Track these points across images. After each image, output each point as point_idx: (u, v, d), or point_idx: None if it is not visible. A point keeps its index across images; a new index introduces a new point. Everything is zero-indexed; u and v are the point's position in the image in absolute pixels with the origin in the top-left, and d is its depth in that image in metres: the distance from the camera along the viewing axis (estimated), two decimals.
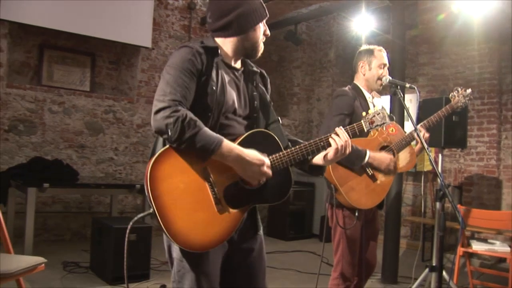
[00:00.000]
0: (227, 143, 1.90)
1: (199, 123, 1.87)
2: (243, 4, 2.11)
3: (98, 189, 5.79)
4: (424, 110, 4.77)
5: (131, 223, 2.01)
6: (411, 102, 6.95)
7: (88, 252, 5.35)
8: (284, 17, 8.05)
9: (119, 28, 7.00)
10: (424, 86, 7.23)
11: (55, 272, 4.88)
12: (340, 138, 2.11)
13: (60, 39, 7.08)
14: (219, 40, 2.17)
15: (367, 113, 2.21)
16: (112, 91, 7.59)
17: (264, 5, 2.19)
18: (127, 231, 2.02)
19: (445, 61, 7.02)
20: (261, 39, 2.18)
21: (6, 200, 5.66)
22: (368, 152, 3.10)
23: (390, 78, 3.21)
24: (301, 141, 2.21)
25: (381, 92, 3.52)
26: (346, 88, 3.33)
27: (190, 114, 1.86)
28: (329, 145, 2.12)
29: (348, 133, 2.15)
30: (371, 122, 2.19)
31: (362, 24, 7.17)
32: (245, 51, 2.17)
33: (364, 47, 3.44)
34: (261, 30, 2.17)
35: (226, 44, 2.16)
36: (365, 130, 2.19)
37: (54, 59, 7.06)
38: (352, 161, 3.08)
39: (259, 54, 2.21)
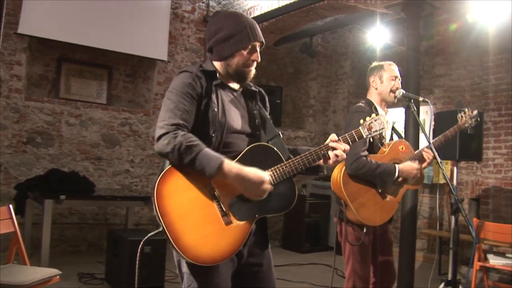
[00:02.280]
0: (227, 164, 1.93)
1: (197, 146, 1.92)
2: (223, 29, 2.14)
3: (114, 201, 5.83)
4: (439, 123, 4.74)
5: (142, 242, 2.08)
6: (427, 114, 6.90)
7: (103, 263, 5.38)
8: (299, 29, 8.08)
9: (135, 41, 7.10)
10: (440, 97, 7.18)
11: (70, 284, 4.91)
12: (340, 150, 2.13)
13: (78, 53, 7.19)
14: (215, 63, 2.21)
15: (364, 120, 2.21)
16: (128, 103, 7.66)
17: (254, 28, 2.16)
18: (139, 248, 2.08)
19: (461, 72, 6.97)
20: (245, 65, 2.16)
21: (24, 211, 5.73)
22: (397, 167, 3.12)
23: (404, 91, 3.22)
24: (303, 147, 2.25)
25: (395, 105, 3.50)
26: (361, 104, 3.32)
27: (188, 139, 1.91)
28: (325, 155, 2.15)
29: (347, 140, 2.18)
30: (369, 128, 2.22)
31: (377, 36, 7.17)
32: (231, 75, 2.19)
33: (374, 63, 3.45)
34: (245, 56, 2.15)
35: (218, 67, 2.20)
36: (364, 136, 2.22)
37: (71, 72, 7.16)
38: (384, 180, 3.11)
39: (248, 79, 2.22)
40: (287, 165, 2.10)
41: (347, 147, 2.15)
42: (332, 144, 2.14)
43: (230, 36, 2.12)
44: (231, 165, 1.94)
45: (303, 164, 2.11)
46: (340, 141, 2.16)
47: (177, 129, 1.94)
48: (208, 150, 1.94)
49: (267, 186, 2.00)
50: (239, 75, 2.19)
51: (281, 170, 2.09)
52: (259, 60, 2.20)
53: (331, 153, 2.13)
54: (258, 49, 2.19)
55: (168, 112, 2.00)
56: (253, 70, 2.21)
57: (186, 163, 1.90)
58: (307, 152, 2.14)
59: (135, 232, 5.52)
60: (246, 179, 1.95)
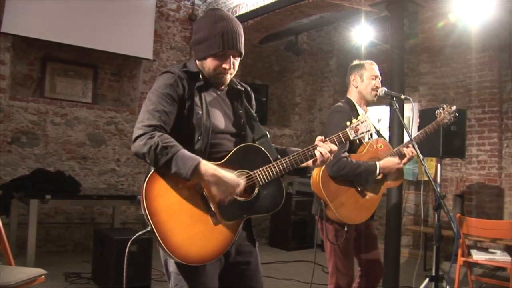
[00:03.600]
0: (203, 164, 1.91)
1: (174, 148, 1.90)
2: (199, 31, 2.12)
3: (100, 200, 5.82)
4: (424, 120, 4.79)
5: (130, 242, 2.07)
6: (411, 111, 6.96)
7: (90, 263, 5.37)
8: (284, 28, 8.10)
9: (120, 40, 7.07)
10: (425, 95, 7.25)
11: (57, 283, 4.89)
12: (324, 149, 2.14)
13: (63, 52, 7.14)
14: (197, 62, 2.20)
15: (351, 122, 2.24)
16: (114, 102, 7.64)
17: (228, 36, 2.06)
18: (127, 248, 2.07)
19: (446, 70, 7.04)
20: (216, 71, 2.12)
21: (9, 211, 5.70)
22: (378, 164, 3.15)
23: (386, 89, 3.25)
24: (291, 148, 2.25)
25: (377, 103, 3.54)
26: (341, 104, 3.35)
27: (164, 140, 1.90)
28: (313, 155, 2.16)
29: (334, 142, 2.19)
30: (356, 130, 2.24)
31: (362, 34, 7.22)
32: (208, 77, 2.17)
33: (354, 62, 3.49)
34: (216, 62, 2.10)
35: (200, 66, 2.19)
36: (351, 138, 2.24)
37: (56, 72, 7.12)
38: (366, 178, 3.14)
39: (221, 85, 2.19)
40: (275, 165, 2.11)
41: (334, 147, 2.16)
42: (319, 144, 2.15)
43: (203, 39, 2.10)
44: (207, 166, 1.93)
45: (291, 165, 2.12)
46: (327, 141, 2.17)
47: (154, 130, 1.93)
48: (184, 151, 1.92)
49: (240, 191, 2.00)
50: (213, 80, 2.17)
51: (269, 170, 2.09)
52: (231, 68, 2.13)
53: (317, 153, 2.14)
54: (232, 58, 2.12)
55: (147, 114, 1.99)
56: (227, 77, 2.16)
57: (162, 165, 1.89)
58: (295, 153, 2.14)
59: (121, 231, 5.51)
60: (222, 181, 1.94)
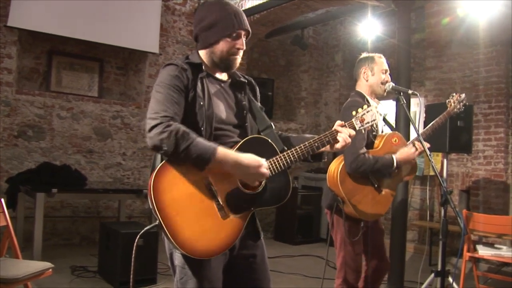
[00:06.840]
0: (222, 150, 1.95)
1: (192, 134, 1.92)
2: (208, 16, 2.13)
3: (106, 194, 5.83)
4: (430, 115, 4.77)
5: (138, 236, 2.09)
6: (418, 106, 6.93)
7: (96, 256, 5.39)
8: (290, 22, 8.08)
9: (126, 34, 7.07)
10: (431, 90, 7.21)
11: (63, 276, 4.92)
12: (345, 133, 2.16)
13: (69, 46, 7.15)
14: (200, 52, 2.21)
15: (357, 112, 2.23)
16: (120, 96, 7.65)
17: (239, 16, 2.15)
18: (135, 242, 2.09)
19: (452, 64, 7.00)
20: (230, 52, 2.15)
21: (16, 205, 5.72)
22: (394, 158, 3.15)
23: (393, 84, 3.23)
24: (307, 135, 2.26)
25: (384, 98, 3.52)
26: (354, 99, 3.30)
27: (183, 127, 1.92)
28: (334, 140, 2.17)
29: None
30: (362, 120, 2.22)
31: (368, 29, 7.19)
32: (216, 64, 2.19)
33: (363, 55, 3.47)
34: (230, 43, 2.14)
35: (203, 56, 2.20)
36: (357, 128, 2.22)
37: (62, 65, 7.13)
38: (383, 173, 3.17)
39: (233, 67, 2.21)
40: (282, 157, 2.11)
41: (352, 132, 2.18)
42: (339, 129, 2.16)
43: (214, 23, 2.12)
44: (226, 151, 1.96)
45: (301, 154, 2.13)
46: (346, 126, 2.18)
47: (170, 119, 1.94)
48: (202, 139, 1.95)
49: (265, 171, 2.01)
50: (225, 63, 2.18)
51: (277, 162, 2.09)
52: (244, 48, 2.19)
53: (340, 138, 2.16)
54: (243, 38, 2.19)
55: (159, 104, 1.98)
56: (238, 58, 2.20)
57: (181, 150, 1.88)
58: (306, 143, 2.14)
59: (127, 225, 5.53)
60: (244, 164, 1.96)
